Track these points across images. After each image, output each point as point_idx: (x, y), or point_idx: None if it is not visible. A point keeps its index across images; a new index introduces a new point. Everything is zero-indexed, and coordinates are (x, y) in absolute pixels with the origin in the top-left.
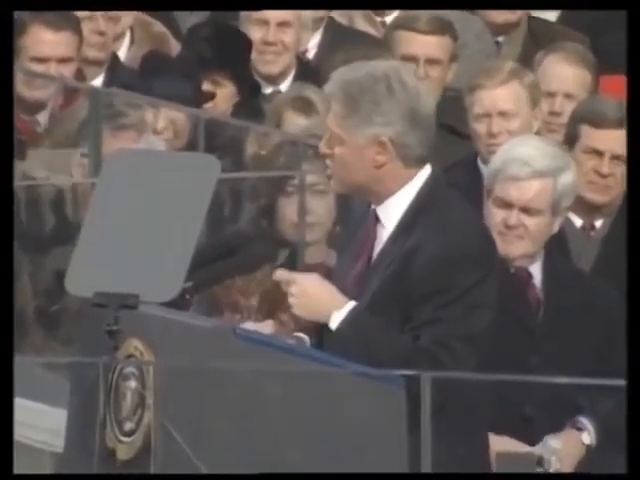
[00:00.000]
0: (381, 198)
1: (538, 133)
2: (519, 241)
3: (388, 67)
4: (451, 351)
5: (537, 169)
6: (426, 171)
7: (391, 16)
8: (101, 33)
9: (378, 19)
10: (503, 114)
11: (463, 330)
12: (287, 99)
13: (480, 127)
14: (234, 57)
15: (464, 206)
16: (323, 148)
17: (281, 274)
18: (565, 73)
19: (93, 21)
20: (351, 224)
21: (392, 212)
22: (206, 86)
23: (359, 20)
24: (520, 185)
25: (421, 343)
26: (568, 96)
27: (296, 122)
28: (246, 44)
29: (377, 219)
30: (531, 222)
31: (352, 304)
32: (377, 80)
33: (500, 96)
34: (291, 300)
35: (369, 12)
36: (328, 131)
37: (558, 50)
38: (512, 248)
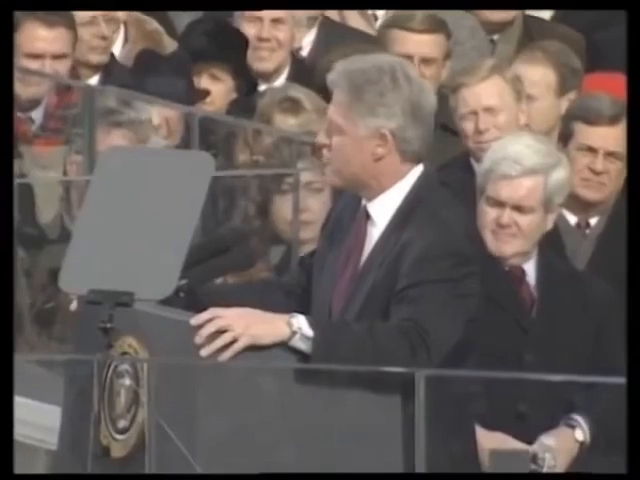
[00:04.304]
0: (373, 194)
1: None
2: (512, 239)
3: (394, 60)
4: (421, 330)
5: (528, 167)
6: (418, 169)
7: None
8: (104, 37)
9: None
10: (488, 110)
11: (436, 314)
12: (273, 102)
13: (467, 125)
14: (233, 51)
15: (454, 205)
16: (321, 138)
17: (197, 318)
18: (527, 75)
19: (95, 25)
20: (337, 218)
21: (384, 209)
22: (204, 80)
23: (353, 16)
24: (511, 183)
25: (391, 321)
26: (528, 97)
27: (286, 123)
28: (244, 41)
29: (368, 216)
30: (523, 220)
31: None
32: (383, 72)
33: (483, 92)
34: (237, 331)
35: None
36: (327, 121)
37: (527, 51)
38: (505, 247)
